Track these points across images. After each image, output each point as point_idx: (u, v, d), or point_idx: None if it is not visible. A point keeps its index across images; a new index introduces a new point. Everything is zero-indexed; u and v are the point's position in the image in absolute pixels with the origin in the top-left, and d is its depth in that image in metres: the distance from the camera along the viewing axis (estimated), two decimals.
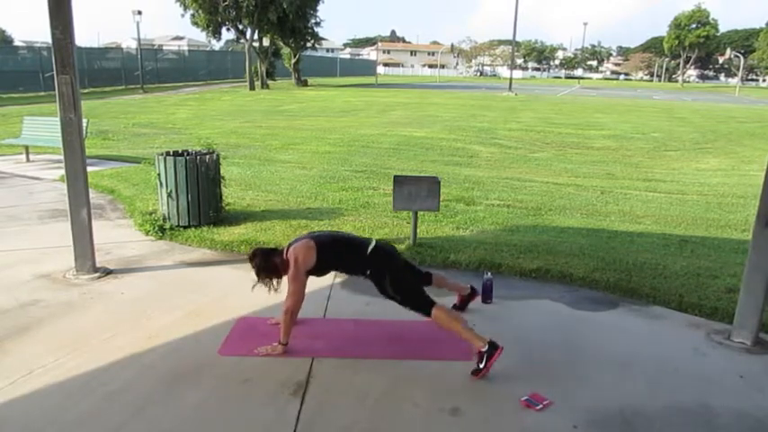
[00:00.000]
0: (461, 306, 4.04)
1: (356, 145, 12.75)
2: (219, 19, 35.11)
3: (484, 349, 3.16)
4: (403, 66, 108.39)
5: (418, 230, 5.53)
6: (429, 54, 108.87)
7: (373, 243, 3.46)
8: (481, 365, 3.16)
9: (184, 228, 5.72)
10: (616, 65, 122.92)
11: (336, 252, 3.46)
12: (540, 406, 2.92)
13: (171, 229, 5.71)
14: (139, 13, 31.07)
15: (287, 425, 2.76)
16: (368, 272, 3.42)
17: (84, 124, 6.65)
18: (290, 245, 3.46)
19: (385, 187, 7.88)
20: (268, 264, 3.41)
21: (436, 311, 3.31)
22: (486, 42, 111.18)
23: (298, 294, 3.35)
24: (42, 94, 25.98)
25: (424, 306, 3.34)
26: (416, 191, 5.23)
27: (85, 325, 3.75)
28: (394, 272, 3.42)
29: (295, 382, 3.12)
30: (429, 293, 3.46)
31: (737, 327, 3.68)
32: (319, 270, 3.47)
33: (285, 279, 3.44)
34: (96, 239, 4.70)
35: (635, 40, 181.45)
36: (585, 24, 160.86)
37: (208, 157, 5.79)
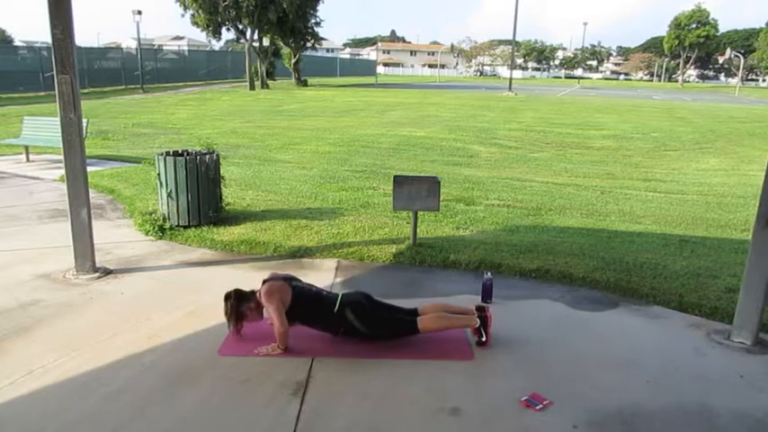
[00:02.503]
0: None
1: (356, 145, 12.75)
2: (219, 19, 35.14)
3: (477, 324, 3.45)
4: (403, 66, 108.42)
5: (418, 230, 5.53)
6: (429, 54, 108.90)
7: (339, 298, 3.47)
8: (483, 339, 3.44)
9: (184, 228, 5.72)
10: (616, 65, 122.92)
11: (309, 304, 3.45)
12: (540, 406, 2.92)
13: (171, 229, 5.71)
14: (139, 13, 31.08)
15: (287, 425, 2.76)
16: (342, 330, 3.46)
17: (84, 124, 6.65)
18: (264, 282, 3.48)
19: (385, 187, 7.88)
20: (240, 308, 3.46)
21: (422, 324, 3.43)
22: (486, 42, 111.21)
23: (281, 322, 3.32)
24: (42, 94, 26.00)
25: (409, 328, 3.44)
26: (416, 191, 5.23)
27: (85, 325, 3.75)
28: (365, 320, 3.43)
29: (295, 382, 3.12)
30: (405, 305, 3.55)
31: (737, 327, 3.68)
32: (288, 316, 3.40)
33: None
34: (96, 239, 4.70)
35: (635, 40, 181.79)
36: (585, 24, 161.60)
37: (208, 157, 5.78)
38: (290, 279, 3.55)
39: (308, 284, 3.64)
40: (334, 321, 3.44)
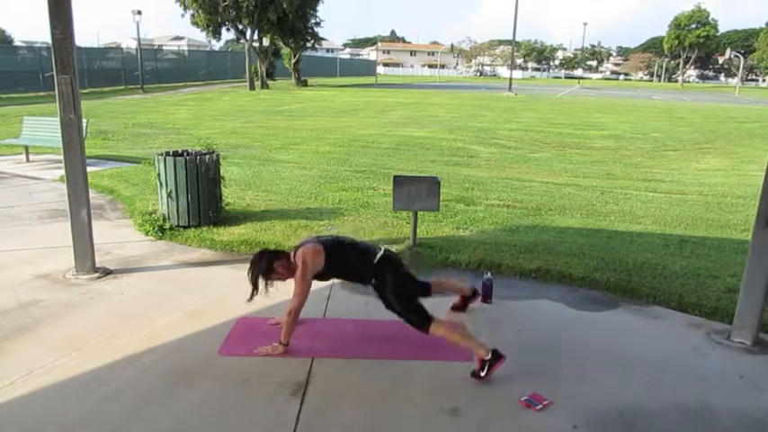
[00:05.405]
0: (461, 306, 4.02)
1: (356, 145, 12.75)
2: (219, 19, 35.13)
3: (487, 357, 3.13)
4: (403, 66, 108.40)
5: (418, 230, 5.53)
6: (429, 54, 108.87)
7: (381, 252, 3.44)
8: (482, 374, 3.13)
9: (184, 228, 5.72)
10: (616, 65, 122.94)
11: (344, 258, 3.44)
12: (540, 406, 2.92)
13: (171, 229, 5.71)
14: (139, 13, 31.10)
15: (287, 425, 2.76)
16: (373, 281, 3.42)
17: (84, 124, 6.65)
18: (297, 248, 3.46)
19: (385, 187, 7.88)
20: (271, 268, 3.38)
21: (434, 328, 3.29)
22: (486, 42, 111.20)
23: (303, 296, 3.34)
24: (42, 94, 25.97)
25: (423, 323, 3.33)
26: (416, 191, 5.22)
27: (85, 325, 3.75)
28: (399, 283, 3.41)
29: (295, 382, 3.12)
30: (428, 303, 3.46)
31: (737, 327, 3.68)
32: (325, 275, 3.45)
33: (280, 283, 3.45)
34: (96, 239, 4.70)
35: (635, 40, 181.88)
36: (585, 24, 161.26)
37: (208, 157, 5.78)
38: (320, 239, 3.51)
39: (337, 237, 3.65)
40: (371, 270, 3.38)
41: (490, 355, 3.13)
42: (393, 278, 3.39)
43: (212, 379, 3.15)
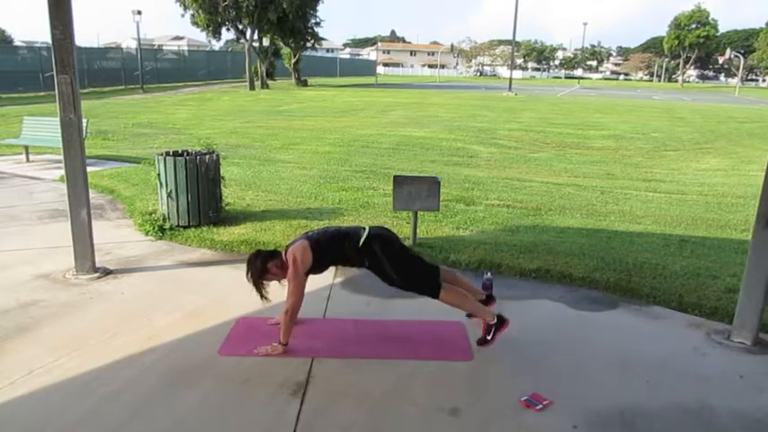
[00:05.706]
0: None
1: (356, 145, 12.76)
2: (219, 19, 35.16)
3: (492, 322, 3.35)
4: (403, 66, 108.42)
5: (418, 230, 5.53)
6: (429, 54, 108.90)
7: (366, 233, 3.41)
8: (488, 337, 3.35)
9: (184, 228, 5.72)
10: (616, 65, 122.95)
11: (333, 246, 3.44)
12: (540, 406, 2.92)
13: (171, 229, 5.71)
14: (139, 13, 31.11)
15: (286, 425, 2.76)
16: (366, 263, 3.40)
17: (84, 124, 6.65)
18: (288, 247, 3.47)
19: (385, 187, 7.88)
20: (265, 268, 3.40)
21: (444, 295, 3.34)
22: (486, 42, 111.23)
23: (297, 294, 3.34)
24: (42, 94, 25.97)
25: (430, 288, 3.34)
26: (416, 191, 5.23)
27: (85, 325, 3.75)
28: (391, 257, 3.37)
29: (295, 382, 3.12)
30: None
31: (737, 327, 3.68)
32: (319, 268, 3.47)
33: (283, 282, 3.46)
34: (96, 239, 4.70)
35: (635, 40, 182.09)
36: (585, 24, 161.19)
37: (208, 157, 5.79)
38: (306, 234, 3.51)
39: (324, 229, 3.62)
40: (360, 253, 3.37)
41: (495, 320, 3.36)
42: (386, 255, 3.36)
43: (212, 379, 3.15)
